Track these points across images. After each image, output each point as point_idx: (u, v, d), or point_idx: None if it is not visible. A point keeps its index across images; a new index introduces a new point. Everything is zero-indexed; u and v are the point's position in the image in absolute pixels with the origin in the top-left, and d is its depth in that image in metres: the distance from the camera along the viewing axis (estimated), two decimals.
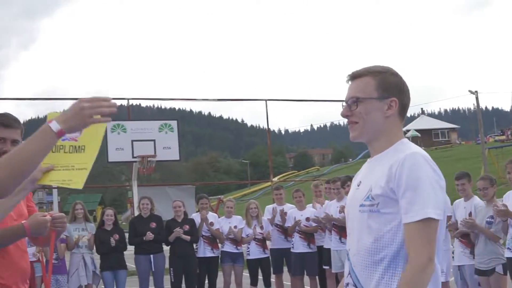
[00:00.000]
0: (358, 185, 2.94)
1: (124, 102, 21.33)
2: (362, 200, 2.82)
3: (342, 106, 2.97)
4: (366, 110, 2.86)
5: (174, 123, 18.65)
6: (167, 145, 17.92)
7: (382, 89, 2.87)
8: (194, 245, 11.63)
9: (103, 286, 11.17)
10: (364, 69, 2.96)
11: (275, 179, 53.88)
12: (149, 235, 11.15)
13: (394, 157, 2.76)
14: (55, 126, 2.61)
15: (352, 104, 2.90)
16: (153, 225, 11.32)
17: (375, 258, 2.73)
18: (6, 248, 3.94)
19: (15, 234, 3.92)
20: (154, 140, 18.04)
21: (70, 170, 3.34)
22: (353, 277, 2.83)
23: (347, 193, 10.53)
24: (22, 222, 3.98)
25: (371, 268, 2.75)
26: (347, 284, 2.87)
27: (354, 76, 2.95)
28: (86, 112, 2.64)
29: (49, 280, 4.61)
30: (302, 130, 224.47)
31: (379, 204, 2.74)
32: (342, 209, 10.29)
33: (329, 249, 10.86)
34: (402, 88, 2.91)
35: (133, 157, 17.98)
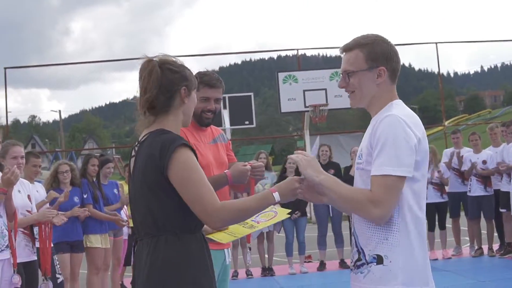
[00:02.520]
0: (360, 146, 3.19)
1: (294, 53, 21.71)
2: (357, 159, 3.11)
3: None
4: (359, 81, 3.12)
5: None
6: (338, 93, 17.62)
7: (370, 59, 3.09)
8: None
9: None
10: (353, 41, 3.17)
11: (446, 123, 52.69)
12: None
13: (378, 118, 3.01)
14: (277, 197, 3.06)
15: (346, 77, 3.16)
16: (331, 171, 11.58)
17: None
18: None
19: (218, 183, 4.20)
20: (325, 89, 18.15)
21: (228, 234, 3.69)
22: (353, 228, 3.15)
23: None
24: (225, 171, 4.33)
25: (360, 219, 3.04)
26: (352, 233, 3.19)
27: (345, 50, 3.19)
28: (297, 192, 3.11)
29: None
30: (471, 72, 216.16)
31: (364, 162, 3.02)
32: None
33: (506, 192, 10.79)
34: (389, 55, 3.11)
35: (305, 106, 18.27)
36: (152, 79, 3.06)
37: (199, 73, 4.39)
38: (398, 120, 2.92)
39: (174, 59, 3.21)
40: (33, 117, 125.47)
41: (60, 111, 67.67)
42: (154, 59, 3.14)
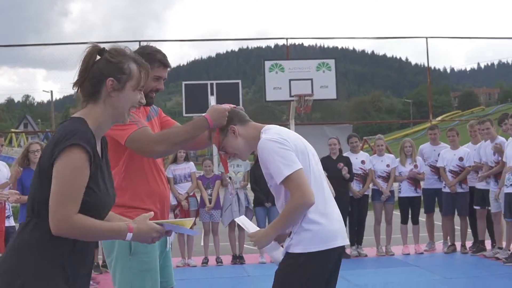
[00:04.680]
0: None
1: (283, 42, 21.62)
2: None
3: None
4: None
5: (331, 62, 18.47)
6: (324, 84, 17.85)
7: None
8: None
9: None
10: None
11: (439, 118, 52.69)
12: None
13: None
14: (129, 237, 2.95)
15: None
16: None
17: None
18: (145, 172, 4.16)
19: (198, 127, 4.09)
20: (311, 79, 18.04)
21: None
22: None
23: (505, 131, 10.39)
24: (203, 114, 4.12)
25: None
26: None
27: None
28: (152, 242, 3.09)
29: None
30: (468, 69, 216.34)
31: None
32: (495, 149, 10.32)
33: (480, 190, 10.83)
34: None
35: (290, 96, 18.20)
36: (86, 64, 2.98)
37: (148, 49, 4.28)
38: (268, 140, 3.85)
39: (123, 49, 3.08)
40: (27, 96, 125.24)
41: (52, 91, 67.60)
42: (103, 46, 3.06)
